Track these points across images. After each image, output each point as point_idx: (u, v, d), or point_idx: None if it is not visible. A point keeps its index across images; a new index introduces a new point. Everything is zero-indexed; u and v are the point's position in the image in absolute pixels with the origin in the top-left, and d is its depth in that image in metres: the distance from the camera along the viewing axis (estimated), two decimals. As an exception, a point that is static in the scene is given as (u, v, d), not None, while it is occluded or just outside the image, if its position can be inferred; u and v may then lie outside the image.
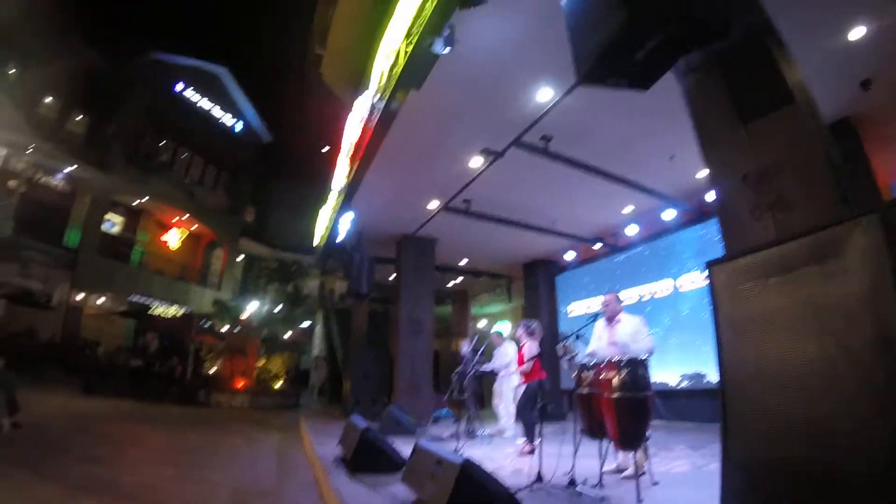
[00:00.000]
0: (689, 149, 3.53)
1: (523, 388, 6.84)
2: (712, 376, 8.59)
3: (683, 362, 9.22)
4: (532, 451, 6.16)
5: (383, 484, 4.49)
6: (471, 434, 7.92)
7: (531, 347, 6.63)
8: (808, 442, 1.71)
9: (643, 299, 10.50)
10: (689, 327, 9.16)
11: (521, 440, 6.73)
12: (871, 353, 1.57)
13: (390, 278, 13.22)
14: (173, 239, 26.58)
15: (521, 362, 6.96)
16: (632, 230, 10.56)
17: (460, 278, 16.48)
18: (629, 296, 10.55)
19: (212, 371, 17.24)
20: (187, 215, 25.64)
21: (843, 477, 1.60)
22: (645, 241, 10.77)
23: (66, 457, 5.69)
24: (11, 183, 18.28)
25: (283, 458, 7.10)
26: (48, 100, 20.82)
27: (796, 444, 1.75)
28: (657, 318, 9.76)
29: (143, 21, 30.50)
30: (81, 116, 22.35)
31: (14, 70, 18.22)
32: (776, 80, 2.69)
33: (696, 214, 9.44)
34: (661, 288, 10.20)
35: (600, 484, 4.17)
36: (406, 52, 5.68)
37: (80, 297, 20.12)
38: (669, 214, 9.60)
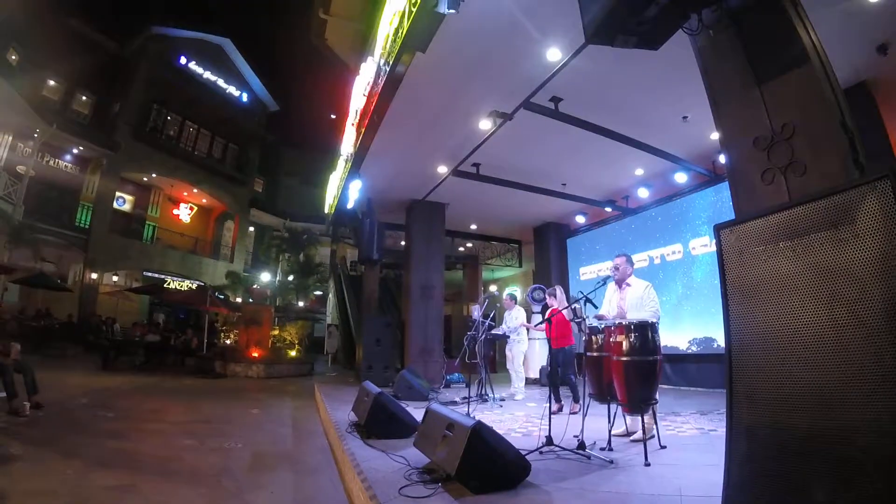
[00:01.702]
0: (703, 110, 3.44)
1: (553, 351, 6.90)
2: (721, 341, 8.58)
3: (694, 327, 9.22)
4: (576, 412, 6.26)
5: (396, 448, 4.56)
6: (482, 397, 8.02)
7: (568, 312, 6.51)
8: (814, 410, 1.70)
9: (654, 262, 10.45)
10: (702, 293, 9.13)
11: (523, 401, 6.90)
12: (882, 322, 1.54)
13: (401, 243, 13.24)
14: (184, 213, 26.79)
15: (560, 329, 6.88)
16: (643, 193, 10.43)
17: (471, 243, 16.51)
18: (640, 259, 10.49)
19: (227, 342, 17.49)
20: (197, 189, 25.80)
21: (849, 447, 1.60)
22: (657, 203, 10.66)
23: (86, 433, 5.80)
24: (20, 168, 18.37)
25: (298, 425, 7.24)
26: (51, 82, 20.81)
27: (802, 412, 1.74)
28: (670, 285, 9.74)
29: None
30: (86, 96, 22.40)
31: (15, 55, 18.05)
32: (791, 41, 2.60)
33: (709, 177, 9.30)
34: (672, 251, 10.12)
35: (609, 447, 4.22)
36: (410, 14, 5.54)
37: (94, 275, 20.47)
38: (681, 177, 9.46)
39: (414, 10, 5.44)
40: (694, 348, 9.23)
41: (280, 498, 3.90)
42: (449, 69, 6.49)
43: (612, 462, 3.82)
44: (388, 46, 6.95)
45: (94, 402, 8.21)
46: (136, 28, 23.31)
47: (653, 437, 4.32)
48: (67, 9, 20.03)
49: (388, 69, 6.81)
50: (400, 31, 6.08)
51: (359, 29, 10.93)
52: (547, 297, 7.56)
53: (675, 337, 9.33)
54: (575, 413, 6.08)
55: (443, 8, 4.81)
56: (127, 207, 24.06)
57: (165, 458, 4.94)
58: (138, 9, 25.03)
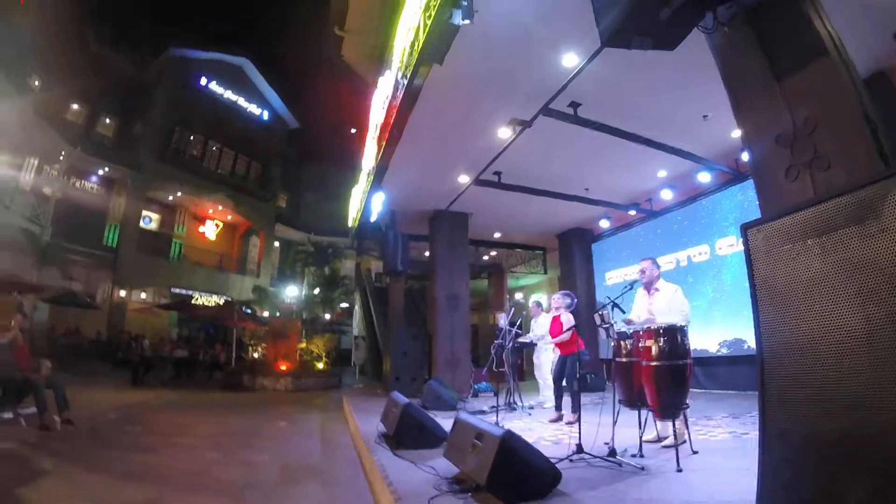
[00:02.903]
0: (723, 108, 3.40)
1: (561, 358, 6.88)
2: (752, 342, 8.38)
3: (724, 329, 9.04)
4: (572, 422, 6.23)
5: (426, 458, 4.55)
6: (511, 406, 7.98)
7: (568, 318, 6.59)
8: (850, 413, 1.65)
9: (681, 265, 10.29)
10: (732, 295, 8.94)
11: (552, 408, 6.82)
12: (914, 319, 1.50)
13: (426, 254, 13.27)
14: (210, 230, 27.30)
15: (556, 333, 6.94)
16: (667, 195, 10.29)
17: (495, 251, 16.46)
18: (667, 261, 10.35)
19: (255, 356, 17.70)
20: (221, 206, 26.28)
21: (884, 452, 1.55)
22: (681, 205, 10.52)
23: (115, 448, 5.89)
24: (46, 190, 18.87)
25: (326, 437, 7.27)
26: (74, 106, 21.45)
27: (837, 415, 1.69)
28: (700, 288, 9.56)
29: (162, 20, 31.07)
30: (109, 119, 23.08)
31: (38, 80, 18.62)
32: (809, 33, 2.56)
33: (733, 176, 9.15)
34: (699, 252, 9.96)
35: (640, 453, 4.16)
36: (426, 27, 5.59)
37: (122, 293, 20.97)
38: (705, 177, 9.31)
39: (429, 22, 5.48)
40: (724, 350, 9.04)
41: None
42: (466, 79, 6.52)
43: (643, 469, 3.77)
44: (405, 60, 7.02)
45: (123, 417, 8.35)
46: (157, 51, 24.05)
47: (684, 442, 4.25)
48: (87, 34, 20.74)
49: (405, 82, 6.86)
50: (416, 45, 6.14)
51: (374, 44, 11.06)
52: (556, 301, 7.44)
53: (705, 340, 9.15)
54: (571, 423, 6.03)
55: (457, 20, 4.85)
56: (153, 226, 24.63)
57: (192, 471, 4.99)
58: (158, 32, 25.78)
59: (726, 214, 9.30)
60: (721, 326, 9.07)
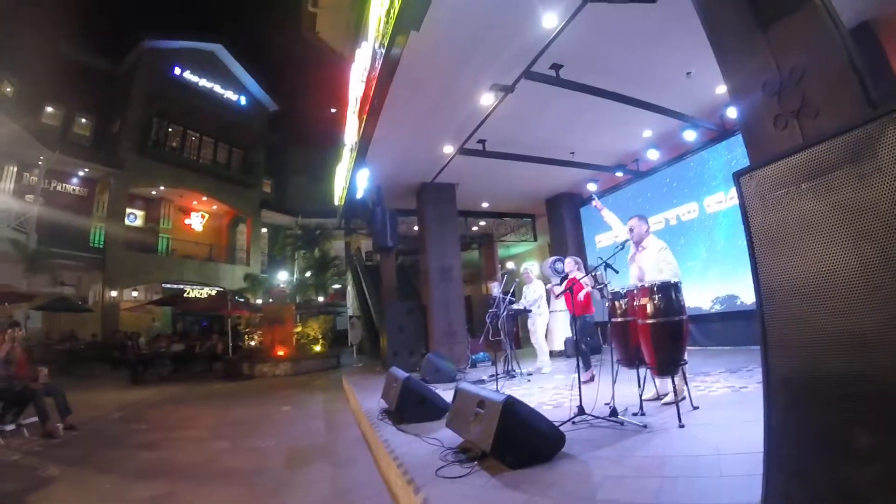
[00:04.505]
0: (706, 64, 3.36)
1: (581, 319, 6.83)
2: (745, 298, 8.50)
3: (718, 286, 9.10)
4: (592, 378, 6.28)
5: (429, 431, 4.60)
6: (510, 374, 8.04)
7: (587, 280, 6.45)
8: (849, 354, 1.65)
9: (671, 223, 10.31)
10: (725, 252, 8.95)
11: (550, 374, 6.85)
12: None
13: (415, 229, 13.23)
14: (196, 222, 27.11)
15: (575, 297, 6.80)
16: (653, 155, 10.24)
17: (484, 221, 16.42)
18: (657, 221, 10.36)
19: (252, 344, 17.72)
20: (206, 196, 26.07)
21: (886, 389, 1.55)
22: (668, 164, 10.49)
23: (121, 447, 5.91)
24: (28, 197, 18.70)
25: (330, 418, 7.32)
26: (49, 109, 21.17)
27: (837, 357, 1.69)
28: (693, 249, 9.56)
29: (131, 12, 30.32)
30: (86, 118, 22.83)
31: (10, 87, 18.24)
32: (792, -20, 2.49)
33: (718, 133, 9.12)
34: (688, 210, 9.97)
35: (641, 412, 4.21)
36: (401, -8, 5.46)
37: (113, 293, 20.86)
38: (690, 135, 9.24)
39: (403, -12, 5.36)
40: (718, 307, 9.10)
41: (318, 490, 3.94)
42: (445, 46, 6.39)
43: (645, 427, 3.81)
44: (381, 29, 6.87)
45: (127, 416, 8.38)
46: (128, 45, 23.59)
47: (684, 398, 4.30)
48: (56, 35, 20.23)
49: (383, 52, 6.72)
50: (392, 12, 6.00)
51: (349, 17, 10.83)
52: (566, 266, 7.51)
53: (699, 297, 9.22)
54: (586, 382, 6.04)
55: (431, -17, 4.74)
56: (139, 223, 24.40)
57: (201, 463, 5.03)
58: (128, 25, 25.34)
59: (714, 173, 9.27)
60: (714, 283, 9.12)
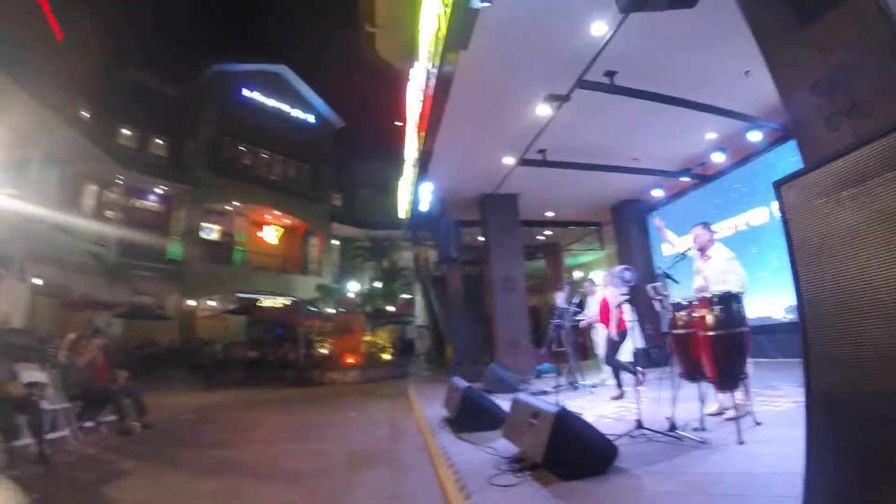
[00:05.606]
0: (763, 62, 3.23)
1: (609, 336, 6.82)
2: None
3: (789, 294, 8.57)
4: (620, 396, 6.25)
5: (486, 440, 4.64)
6: (573, 385, 7.94)
7: (614, 296, 6.46)
8: (893, 372, 1.58)
9: (740, 229, 9.86)
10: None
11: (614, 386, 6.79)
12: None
13: (479, 239, 13.30)
14: (269, 235, 28.23)
15: (604, 311, 6.86)
16: (718, 157, 9.85)
17: (549, 231, 16.28)
18: (726, 227, 9.97)
19: (323, 352, 18.26)
20: (278, 211, 27.14)
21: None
22: (734, 167, 10.10)
23: (193, 446, 6.24)
24: (108, 213, 20.32)
25: (394, 425, 7.47)
26: (125, 131, 22.81)
27: (882, 374, 1.60)
28: (764, 257, 9.08)
29: (198, 41, 32.42)
30: (160, 139, 24.40)
31: (87, 112, 19.65)
32: (832, -27, 2.40)
33: (784, 132, 8.64)
34: (757, 215, 9.51)
35: (702, 427, 4.07)
36: (446, 14, 5.59)
37: (191, 302, 22.16)
38: (755, 136, 8.84)
39: (448, 10, 5.48)
40: (790, 317, 8.59)
41: (376, 494, 4.06)
42: (495, 60, 6.49)
43: (704, 442, 3.70)
44: (431, 49, 7.03)
45: (199, 417, 8.81)
46: (197, 70, 25.17)
47: (747, 413, 4.11)
48: (129, 62, 22.18)
49: (435, 71, 6.88)
50: (440, 32, 6.14)
51: (406, 36, 11.10)
52: (601, 280, 7.44)
53: (769, 306, 8.73)
54: (616, 398, 6.21)
55: (476, 3, 4.83)
56: (214, 236, 25.68)
57: (266, 462, 5.27)
58: (197, 51, 27.04)
59: (782, 173, 8.76)
60: (786, 291, 8.62)
